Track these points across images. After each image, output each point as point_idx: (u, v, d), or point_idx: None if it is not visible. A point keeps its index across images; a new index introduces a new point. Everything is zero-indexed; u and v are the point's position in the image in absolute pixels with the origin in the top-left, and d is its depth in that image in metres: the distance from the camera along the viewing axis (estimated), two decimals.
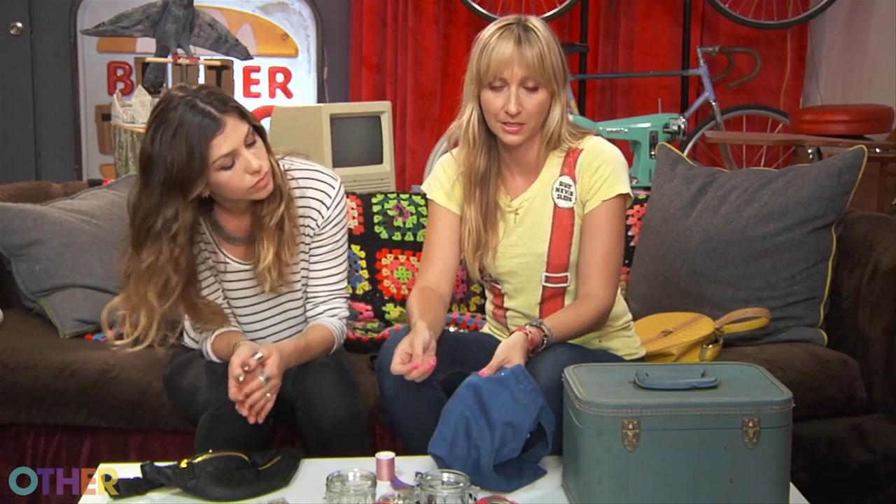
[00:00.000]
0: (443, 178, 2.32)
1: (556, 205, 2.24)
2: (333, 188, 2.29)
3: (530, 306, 2.28)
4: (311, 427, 2.17)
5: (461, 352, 2.22)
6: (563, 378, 1.94)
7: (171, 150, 2.04)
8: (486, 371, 2.00)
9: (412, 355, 2.02)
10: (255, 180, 2.11)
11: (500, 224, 2.27)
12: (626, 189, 2.21)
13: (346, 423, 2.15)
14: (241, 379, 2.06)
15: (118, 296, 2.16)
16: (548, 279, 2.25)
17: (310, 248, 2.30)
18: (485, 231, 2.25)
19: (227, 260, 2.26)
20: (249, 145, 2.10)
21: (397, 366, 2.01)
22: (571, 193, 2.23)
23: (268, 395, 2.07)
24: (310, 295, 2.33)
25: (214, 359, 2.25)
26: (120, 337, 2.16)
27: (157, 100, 4.01)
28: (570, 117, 2.27)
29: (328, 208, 2.28)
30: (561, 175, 2.24)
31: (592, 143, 2.23)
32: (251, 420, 2.06)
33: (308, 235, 2.29)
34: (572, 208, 2.23)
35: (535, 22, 2.17)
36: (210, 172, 2.08)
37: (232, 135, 2.07)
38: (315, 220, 2.28)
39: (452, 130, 2.28)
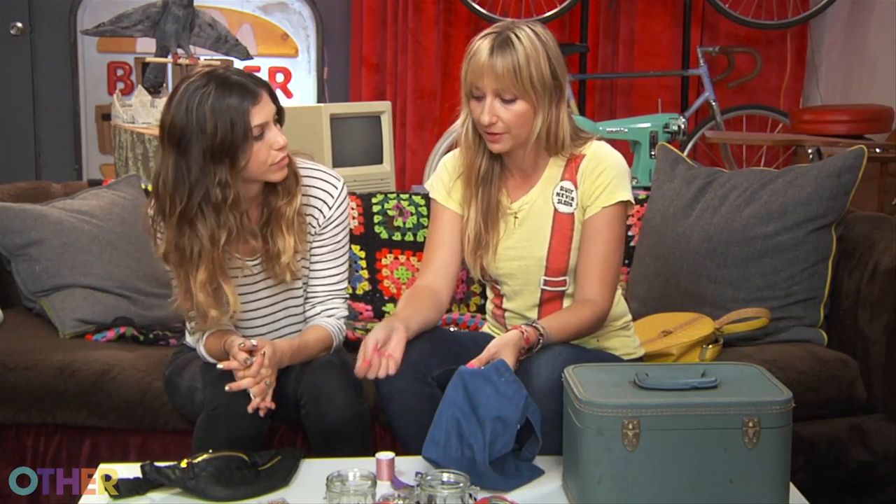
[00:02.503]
0: (444, 177, 2.32)
1: (556, 210, 2.24)
2: (336, 188, 2.30)
3: (528, 308, 2.28)
4: (315, 424, 2.17)
5: (457, 349, 2.21)
6: (563, 378, 1.94)
7: (213, 118, 2.06)
8: (474, 363, 2.00)
9: (365, 356, 2.03)
10: (277, 157, 2.15)
11: (500, 224, 2.27)
12: (627, 196, 2.20)
13: (351, 421, 2.15)
14: (246, 362, 2.07)
15: (199, 271, 2.14)
16: (546, 283, 2.25)
17: (311, 248, 2.30)
18: (485, 231, 2.26)
19: (230, 255, 2.26)
20: (274, 123, 2.16)
21: (359, 370, 2.04)
22: (572, 199, 2.23)
23: (266, 381, 2.07)
24: (309, 295, 2.33)
25: (208, 358, 2.26)
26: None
27: (157, 100, 4.03)
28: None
29: (330, 208, 2.29)
30: (562, 180, 2.24)
31: (595, 149, 2.23)
32: (251, 408, 2.05)
33: (309, 234, 2.29)
34: (572, 213, 2.23)
35: (521, 30, 2.13)
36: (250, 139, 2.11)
37: (265, 107, 2.13)
38: (317, 220, 2.28)
39: (455, 130, 2.29)
